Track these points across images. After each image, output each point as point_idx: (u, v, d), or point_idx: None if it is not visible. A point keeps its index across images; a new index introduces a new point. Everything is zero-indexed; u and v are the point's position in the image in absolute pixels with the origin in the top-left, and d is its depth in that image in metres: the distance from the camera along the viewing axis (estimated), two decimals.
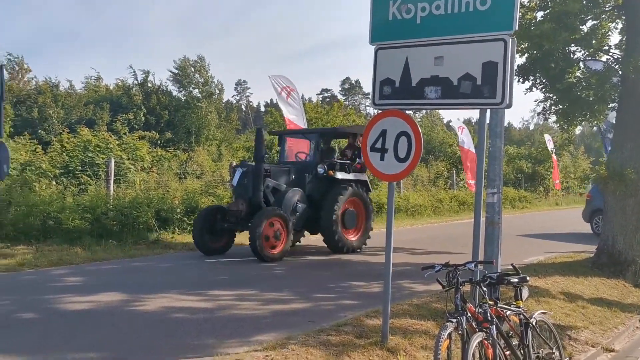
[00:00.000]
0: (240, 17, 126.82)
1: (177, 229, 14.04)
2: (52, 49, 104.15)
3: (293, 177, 12.48)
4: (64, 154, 15.95)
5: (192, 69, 37.64)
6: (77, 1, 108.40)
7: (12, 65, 37.25)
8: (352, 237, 12.76)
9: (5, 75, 10.30)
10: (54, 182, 14.43)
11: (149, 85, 33.32)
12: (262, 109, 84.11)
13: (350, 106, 63.77)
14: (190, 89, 37.05)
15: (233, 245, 12.13)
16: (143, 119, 29.60)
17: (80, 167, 15.38)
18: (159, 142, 26.67)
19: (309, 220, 12.35)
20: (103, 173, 15.12)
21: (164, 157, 19.79)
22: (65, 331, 6.00)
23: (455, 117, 36.80)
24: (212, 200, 15.60)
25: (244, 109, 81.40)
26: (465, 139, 19.40)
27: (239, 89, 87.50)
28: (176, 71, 37.66)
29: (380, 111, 5.83)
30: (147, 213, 13.37)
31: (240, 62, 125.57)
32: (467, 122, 58.74)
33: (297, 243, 13.19)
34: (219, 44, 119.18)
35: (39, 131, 23.88)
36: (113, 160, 14.68)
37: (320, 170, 12.23)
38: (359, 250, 12.78)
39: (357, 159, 13.19)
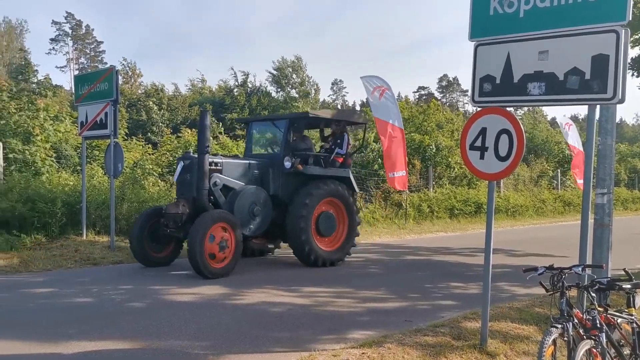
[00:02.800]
0: (337, 17, 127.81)
1: None
2: (162, 53, 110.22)
3: (254, 173, 10.21)
4: (168, 153, 16.92)
5: (290, 70, 38.50)
6: (186, 7, 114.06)
7: (126, 70, 39.95)
8: (329, 247, 10.47)
9: (120, 79, 10.97)
10: (160, 180, 15.32)
11: (249, 86, 34.46)
12: (358, 107, 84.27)
13: (447, 104, 62.52)
14: (288, 89, 37.92)
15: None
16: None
17: None
18: None
19: (275, 226, 10.23)
20: None
21: None
22: (173, 320, 6.35)
23: (561, 113, 35.09)
24: None
25: (340, 108, 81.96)
26: (573, 136, 18.40)
27: (334, 88, 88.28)
28: (274, 72, 38.70)
29: (479, 109, 5.68)
30: None
31: (336, 61, 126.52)
32: (574, 118, 55.69)
33: (270, 254, 11.61)
34: (315, 44, 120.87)
35: (148, 132, 25.41)
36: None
37: (286, 164, 10.04)
38: (338, 263, 10.55)
39: (337, 150, 10.79)
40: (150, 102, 27.89)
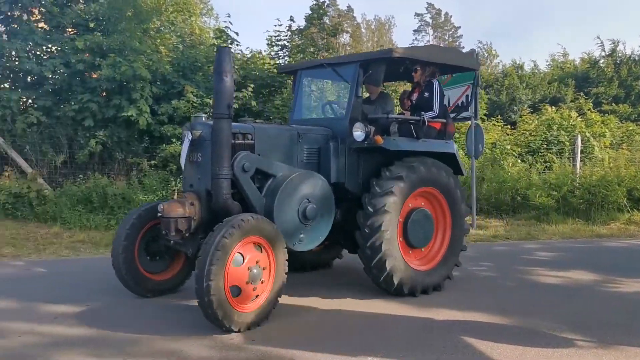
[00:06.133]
0: None
1: None
2: (516, 30, 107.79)
3: (306, 149, 6.31)
4: (527, 132, 16.64)
5: None
6: None
7: (482, 52, 40.53)
8: (421, 265, 6.51)
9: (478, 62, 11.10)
10: (519, 160, 15.18)
11: (619, 55, 31.01)
12: None
13: None
14: None
15: None
16: (614, 92, 27.82)
17: (545, 145, 15.78)
18: (630, 116, 24.61)
19: (339, 231, 6.37)
20: (568, 151, 15.12)
21: (635, 132, 18.18)
22: (539, 301, 6.22)
23: None
24: None
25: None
26: None
27: None
28: None
29: None
30: (617, 192, 12.71)
31: None
32: None
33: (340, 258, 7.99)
34: None
35: (507, 112, 25.22)
36: (580, 138, 14.40)
37: (357, 134, 6.14)
38: (437, 289, 6.56)
39: (427, 112, 6.64)
40: (514, 81, 27.58)
